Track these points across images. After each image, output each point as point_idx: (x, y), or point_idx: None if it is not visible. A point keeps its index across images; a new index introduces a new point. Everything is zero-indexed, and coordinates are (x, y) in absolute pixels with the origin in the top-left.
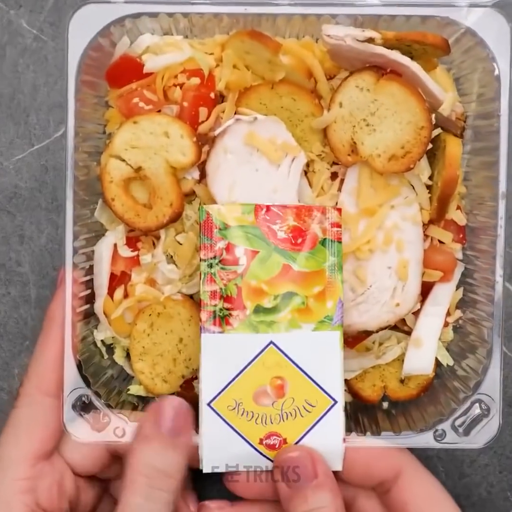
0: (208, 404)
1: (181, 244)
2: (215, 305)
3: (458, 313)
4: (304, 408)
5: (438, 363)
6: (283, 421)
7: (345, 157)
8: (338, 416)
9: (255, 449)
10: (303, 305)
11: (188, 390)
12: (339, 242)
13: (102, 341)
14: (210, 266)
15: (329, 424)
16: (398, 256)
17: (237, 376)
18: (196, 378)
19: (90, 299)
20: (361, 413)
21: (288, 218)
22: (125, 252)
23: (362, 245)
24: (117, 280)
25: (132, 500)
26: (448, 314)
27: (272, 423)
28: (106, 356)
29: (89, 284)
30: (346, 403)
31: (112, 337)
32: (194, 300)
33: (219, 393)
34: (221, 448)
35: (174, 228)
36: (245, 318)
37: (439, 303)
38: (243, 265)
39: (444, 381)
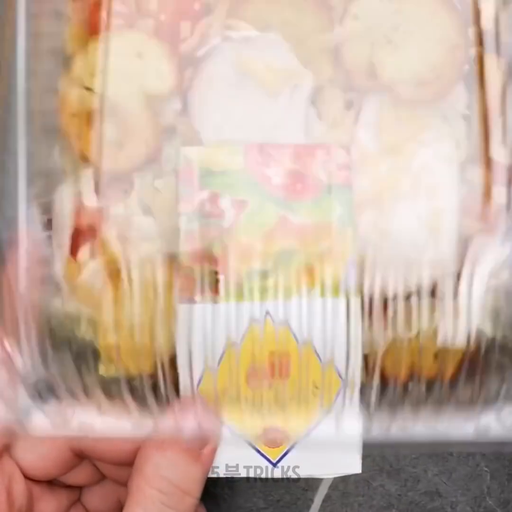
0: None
1: (160, 191)
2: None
3: (504, 274)
4: (310, 391)
5: (480, 335)
6: (284, 409)
7: (363, 82)
8: (353, 402)
9: (254, 448)
10: (305, 266)
11: (171, 370)
12: (349, 188)
13: (64, 312)
14: (190, 220)
15: (342, 413)
16: (429, 204)
17: (224, 354)
18: None
19: (49, 261)
20: (383, 397)
21: (285, 160)
22: (92, 202)
23: (385, 191)
24: (82, 237)
25: None
26: (492, 275)
27: (270, 412)
28: (69, 331)
29: (48, 242)
30: (365, 384)
31: (76, 308)
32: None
33: (203, 374)
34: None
35: (151, 172)
36: (233, 283)
37: (481, 261)
38: (230, 219)
39: (488, 357)
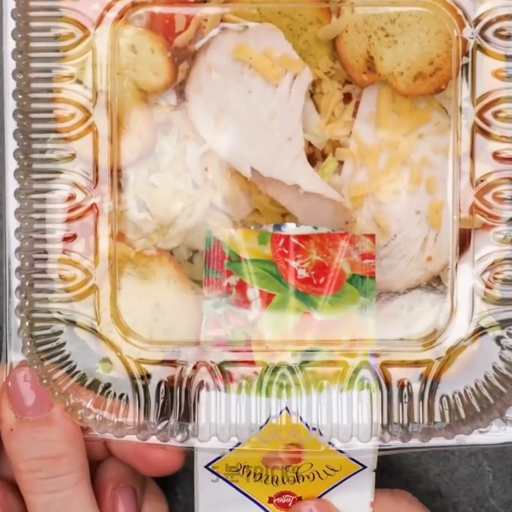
0: (206, 467)
1: (156, 186)
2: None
3: (507, 269)
4: (325, 472)
5: (481, 332)
6: (299, 482)
7: (360, 75)
8: (366, 480)
9: (263, 508)
10: (327, 362)
11: (167, 374)
12: (372, 277)
13: (58, 311)
14: (216, 306)
15: (354, 487)
16: (429, 198)
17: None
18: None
19: (42, 258)
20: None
21: (311, 251)
22: (86, 198)
23: (384, 185)
24: (77, 234)
25: (37, 501)
26: (493, 270)
27: (285, 483)
28: (64, 330)
29: (41, 239)
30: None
31: (71, 306)
32: (173, 256)
33: (220, 456)
34: (222, 510)
35: (146, 167)
36: (253, 376)
37: (482, 256)
38: (255, 311)
39: (489, 356)
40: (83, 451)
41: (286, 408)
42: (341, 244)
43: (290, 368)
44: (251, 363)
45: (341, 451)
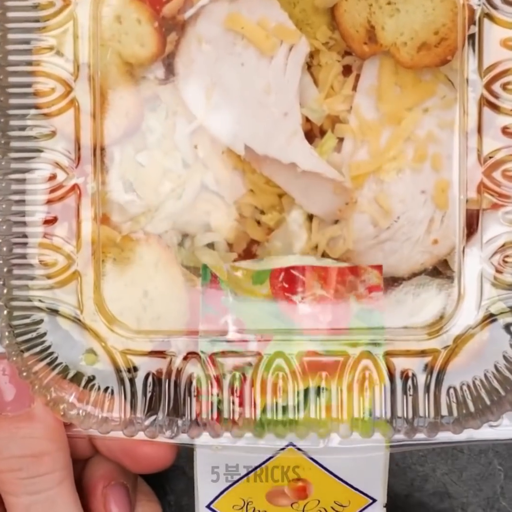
0: (208, 506)
1: (143, 166)
2: (216, 395)
3: None
4: (333, 508)
5: (491, 319)
6: None
7: (361, 46)
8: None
9: None
10: (333, 400)
11: (155, 366)
12: (381, 313)
13: (39, 299)
14: (213, 344)
15: None
16: (434, 176)
17: (244, 477)
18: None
19: (22, 242)
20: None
21: (313, 285)
22: (67, 178)
23: (386, 163)
24: (58, 216)
25: (17, 502)
26: (504, 253)
27: None
28: (45, 319)
29: (20, 222)
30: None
31: (53, 293)
32: (161, 240)
33: (221, 493)
34: None
35: (132, 145)
36: (254, 417)
37: (491, 238)
38: (254, 351)
39: (499, 344)
40: (66, 449)
41: (283, 402)
42: (347, 278)
43: (287, 359)
44: (245, 353)
45: (349, 485)
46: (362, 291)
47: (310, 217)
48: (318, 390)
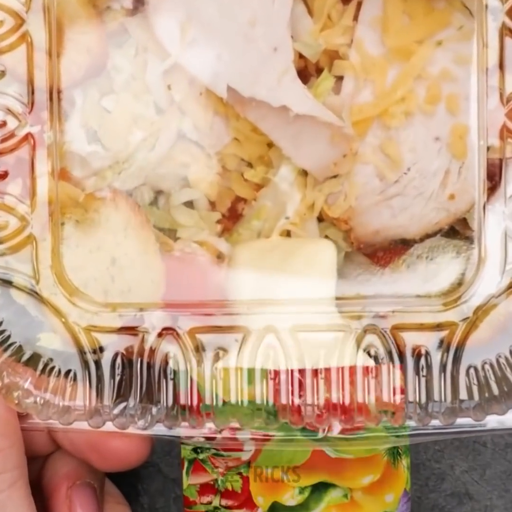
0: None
1: (109, 111)
2: (209, 503)
3: None
4: None
5: None
6: None
7: None
8: None
9: None
10: (346, 499)
11: (125, 344)
12: (405, 416)
13: None
14: (197, 451)
15: None
16: (450, 120)
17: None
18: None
19: None
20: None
21: (319, 389)
22: (19, 125)
23: (393, 106)
24: (10, 171)
25: None
26: None
27: None
28: None
29: None
30: None
31: (4, 261)
32: (131, 198)
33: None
34: None
35: (97, 88)
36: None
37: None
38: (251, 450)
39: None
40: (20, 445)
41: (274, 385)
42: (364, 378)
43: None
44: (230, 329)
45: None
46: (383, 393)
47: (305, 173)
48: None
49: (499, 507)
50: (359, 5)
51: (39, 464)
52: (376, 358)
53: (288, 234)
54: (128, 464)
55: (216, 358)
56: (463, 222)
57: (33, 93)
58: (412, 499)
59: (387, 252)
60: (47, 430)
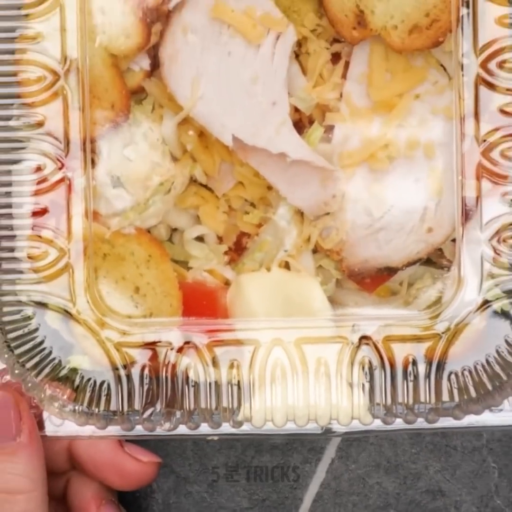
0: None
1: (131, 160)
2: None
3: None
4: None
5: (492, 303)
6: None
7: (350, 31)
8: None
9: None
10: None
11: (151, 358)
12: None
13: (28, 294)
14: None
15: None
16: (428, 164)
17: None
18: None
19: (10, 238)
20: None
21: None
22: (55, 172)
23: (378, 151)
24: (46, 212)
25: None
26: (501, 239)
27: None
28: (34, 318)
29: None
30: None
31: (42, 288)
32: (151, 234)
33: None
34: None
35: (119, 139)
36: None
37: (490, 220)
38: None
39: (500, 328)
40: (44, 488)
41: (282, 390)
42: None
43: (285, 347)
44: (241, 342)
45: None
46: None
47: (301, 211)
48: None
49: (467, 502)
50: (347, 64)
51: (57, 480)
52: (370, 367)
53: (286, 264)
54: (141, 484)
55: (231, 367)
56: (440, 252)
57: (68, 144)
58: (391, 496)
59: (374, 279)
60: (67, 450)
